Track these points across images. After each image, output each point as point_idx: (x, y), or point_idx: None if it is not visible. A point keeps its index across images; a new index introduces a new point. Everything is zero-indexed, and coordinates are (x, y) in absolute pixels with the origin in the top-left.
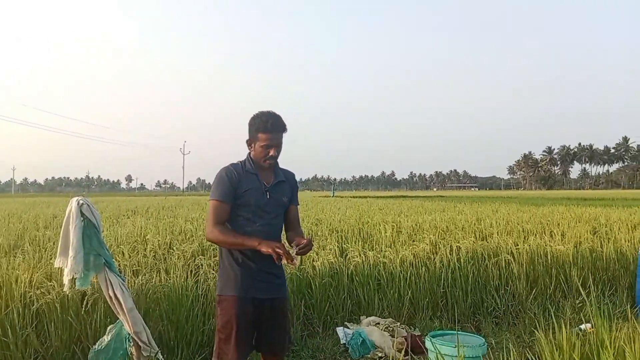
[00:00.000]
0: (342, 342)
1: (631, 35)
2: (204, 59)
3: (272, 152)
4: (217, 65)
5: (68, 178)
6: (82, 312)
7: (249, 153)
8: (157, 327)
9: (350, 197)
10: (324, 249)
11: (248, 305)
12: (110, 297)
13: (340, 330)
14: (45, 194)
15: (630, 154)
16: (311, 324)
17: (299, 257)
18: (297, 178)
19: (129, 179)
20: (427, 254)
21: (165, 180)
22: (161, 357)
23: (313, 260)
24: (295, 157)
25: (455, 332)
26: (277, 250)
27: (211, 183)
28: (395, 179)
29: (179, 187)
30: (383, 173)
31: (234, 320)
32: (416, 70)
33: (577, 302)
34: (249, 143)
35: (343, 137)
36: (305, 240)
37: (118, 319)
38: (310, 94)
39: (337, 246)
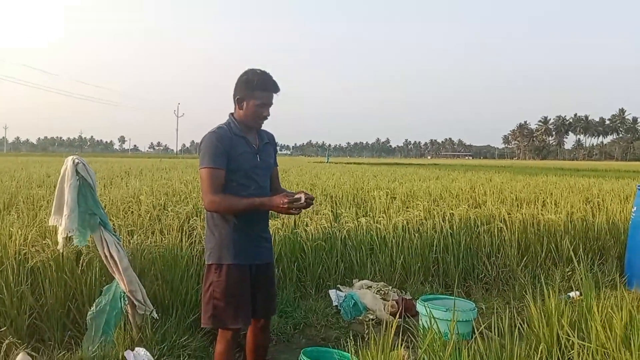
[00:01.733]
0: (334, 304)
1: (631, 6)
2: (200, 23)
3: (266, 112)
4: (212, 28)
5: (61, 138)
6: (78, 271)
7: (232, 115)
8: (152, 287)
9: (345, 163)
10: (317, 214)
11: (246, 272)
12: (105, 256)
13: (332, 293)
14: (37, 154)
15: (626, 125)
16: (304, 286)
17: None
18: (292, 143)
19: (122, 140)
20: (421, 221)
21: (159, 142)
22: (156, 315)
23: (306, 225)
24: (290, 122)
25: (447, 297)
26: (291, 210)
27: None
28: (390, 146)
29: (172, 150)
30: (378, 140)
31: (234, 288)
32: (413, 37)
33: (567, 270)
34: (240, 102)
35: (338, 102)
36: (309, 195)
37: (113, 278)
38: (306, 56)
39: (331, 211)
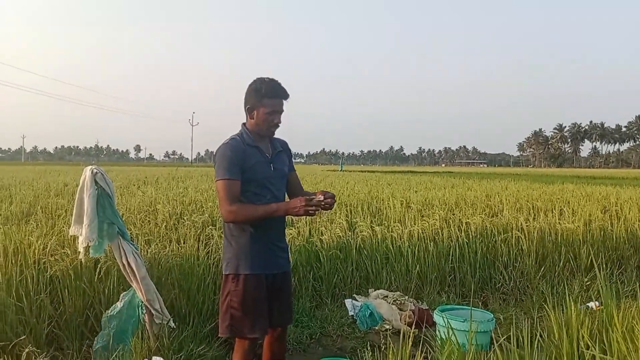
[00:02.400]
0: (350, 314)
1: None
2: (214, 32)
3: (277, 120)
4: (226, 37)
5: (77, 147)
6: (96, 280)
7: (244, 125)
8: (169, 296)
9: (359, 171)
10: (332, 223)
11: (263, 282)
12: (123, 265)
13: (348, 303)
14: (54, 163)
15: None
16: (319, 295)
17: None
18: (305, 152)
19: (137, 149)
20: (436, 230)
21: (174, 151)
22: (173, 324)
23: (321, 234)
24: (304, 131)
25: (464, 307)
26: (310, 209)
27: None
28: (404, 154)
29: (187, 158)
30: (391, 148)
31: (251, 297)
32: (427, 44)
33: (586, 280)
34: (250, 111)
35: (352, 111)
36: (329, 194)
37: (131, 286)
38: (320, 67)
39: (346, 220)
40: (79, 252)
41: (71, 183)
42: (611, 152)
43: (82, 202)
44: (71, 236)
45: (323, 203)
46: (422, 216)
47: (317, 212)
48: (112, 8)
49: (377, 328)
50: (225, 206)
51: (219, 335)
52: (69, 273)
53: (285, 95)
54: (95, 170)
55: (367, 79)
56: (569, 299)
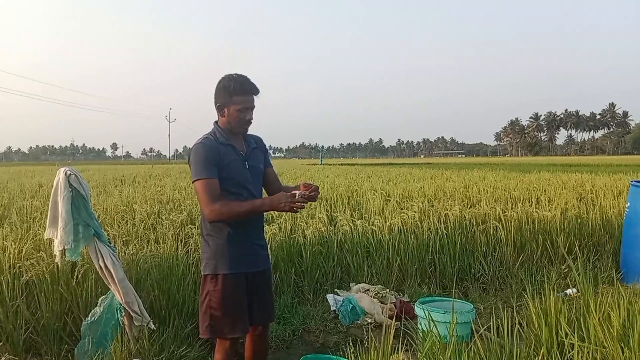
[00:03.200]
0: (332, 309)
1: (621, 4)
2: (191, 28)
3: (249, 116)
4: (203, 33)
5: (52, 146)
6: (73, 283)
7: (216, 123)
8: (148, 297)
9: (339, 164)
10: (312, 218)
11: (242, 281)
12: (100, 268)
13: (330, 297)
14: (29, 163)
15: (616, 120)
16: (302, 291)
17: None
18: (285, 146)
19: (114, 147)
20: (416, 222)
21: (152, 148)
22: (153, 326)
23: (303, 229)
24: (283, 125)
25: (445, 298)
26: (296, 206)
27: None
28: (383, 146)
29: (165, 155)
30: (371, 140)
31: (230, 297)
32: (403, 36)
33: (563, 267)
34: (221, 109)
35: (331, 104)
36: (313, 186)
37: (109, 289)
38: (298, 60)
39: (326, 215)
40: (55, 255)
41: (46, 184)
42: (586, 139)
43: (57, 204)
44: (47, 239)
45: (307, 197)
46: (402, 209)
47: (302, 207)
48: (83, 2)
49: (359, 322)
50: (207, 206)
51: (199, 337)
52: (45, 277)
53: (255, 90)
54: (69, 172)
55: (344, 71)
56: (548, 288)
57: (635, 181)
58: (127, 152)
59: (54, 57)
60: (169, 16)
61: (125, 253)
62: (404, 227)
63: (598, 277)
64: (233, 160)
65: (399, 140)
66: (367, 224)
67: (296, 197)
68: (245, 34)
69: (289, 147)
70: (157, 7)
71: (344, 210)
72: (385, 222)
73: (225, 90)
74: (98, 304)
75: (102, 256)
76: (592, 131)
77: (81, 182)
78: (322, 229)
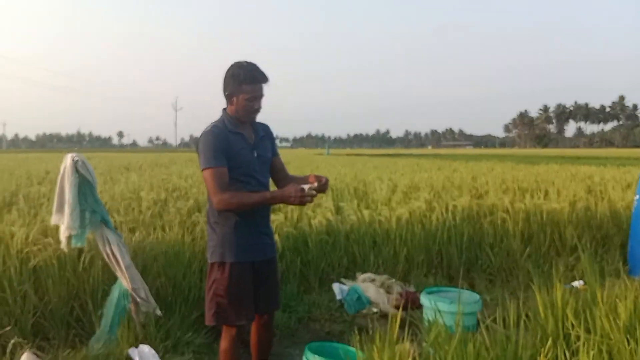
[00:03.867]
0: (338, 298)
1: None
2: (197, 14)
3: (257, 105)
4: (209, 20)
5: (59, 134)
6: (80, 269)
7: (225, 110)
8: (154, 284)
9: (345, 155)
10: (319, 207)
11: (249, 269)
12: (107, 254)
13: (336, 287)
14: (36, 150)
15: (626, 113)
16: (307, 280)
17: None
18: (291, 136)
19: (120, 135)
20: (423, 212)
21: (157, 136)
22: (159, 312)
23: (310, 218)
24: (289, 115)
25: (451, 289)
26: (305, 200)
27: None
28: (390, 137)
29: (171, 144)
30: (378, 131)
31: (237, 285)
32: (412, 27)
33: (571, 259)
34: (229, 97)
35: (338, 94)
36: (323, 178)
37: (116, 276)
38: (305, 50)
39: (333, 204)
40: (62, 241)
41: (53, 170)
42: (595, 132)
43: (63, 190)
44: (54, 225)
45: (317, 190)
46: (409, 199)
47: (311, 201)
48: None
49: (364, 311)
50: (216, 195)
51: (205, 324)
52: (53, 263)
53: (264, 79)
54: (75, 158)
55: (352, 60)
56: (556, 279)
57: None
58: (134, 140)
59: (61, 44)
60: (175, 2)
61: (132, 240)
62: (411, 218)
63: (605, 270)
64: (242, 148)
65: (406, 131)
66: (374, 214)
67: (306, 191)
68: (252, 19)
69: (295, 137)
70: None
71: (351, 200)
72: (392, 212)
73: (235, 78)
74: (110, 293)
75: (109, 242)
76: (602, 124)
77: (88, 169)
78: (330, 218)
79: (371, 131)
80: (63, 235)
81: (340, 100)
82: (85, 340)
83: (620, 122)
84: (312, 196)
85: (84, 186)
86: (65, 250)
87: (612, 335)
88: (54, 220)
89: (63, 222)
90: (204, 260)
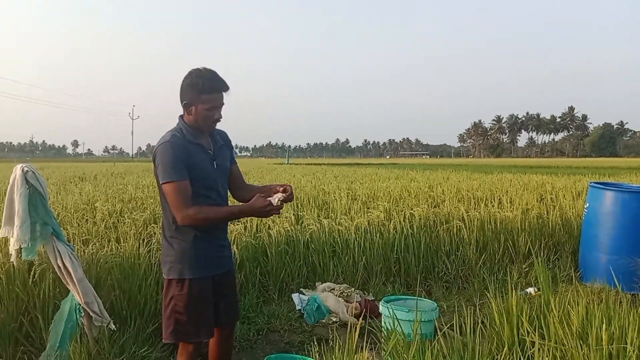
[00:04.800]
0: (297, 308)
1: (580, 7)
2: (152, 21)
3: (217, 115)
4: (165, 28)
5: (11, 143)
6: (30, 283)
7: (181, 117)
8: (108, 297)
9: (305, 164)
10: (279, 217)
11: (209, 284)
12: (59, 267)
13: (295, 297)
14: None
15: (575, 123)
16: (267, 290)
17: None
18: (252, 145)
19: (75, 144)
20: (382, 221)
21: (114, 145)
22: (113, 326)
23: (269, 228)
24: (249, 124)
25: (409, 297)
26: (274, 212)
27: None
28: (350, 146)
29: (127, 153)
30: (337, 140)
31: (197, 301)
32: (369, 38)
33: (524, 266)
34: (188, 107)
35: (298, 103)
36: (288, 187)
37: (68, 290)
38: (265, 59)
39: (293, 214)
40: (11, 255)
41: (3, 181)
42: (546, 142)
43: (13, 202)
44: (1, 238)
45: (285, 200)
46: (368, 208)
47: (280, 211)
48: None
49: (324, 321)
50: (181, 211)
51: (163, 342)
52: (1, 277)
53: (225, 87)
54: (25, 169)
55: (311, 71)
56: (510, 286)
57: (595, 183)
58: (89, 149)
59: (14, 51)
60: (130, 9)
61: (85, 252)
62: (370, 227)
63: (558, 276)
64: (202, 160)
65: (365, 140)
66: (333, 224)
67: (276, 203)
68: (209, 27)
69: (255, 146)
70: (125, 4)
71: (311, 209)
72: (352, 221)
73: (193, 87)
74: (60, 307)
75: (61, 255)
76: (553, 134)
77: (39, 179)
78: (289, 228)
79: (331, 140)
80: (12, 248)
81: (300, 109)
82: (35, 357)
83: (570, 132)
84: (281, 208)
85: (35, 197)
86: (15, 263)
87: (566, 341)
88: (2, 232)
89: (12, 235)
90: (160, 272)
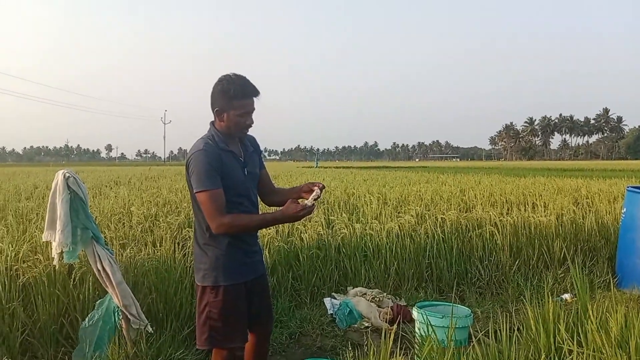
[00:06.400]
0: (329, 313)
1: (615, 9)
2: (185, 27)
3: (249, 121)
4: (198, 32)
5: (47, 147)
6: (70, 286)
7: (213, 124)
8: (145, 300)
9: (334, 167)
10: (310, 221)
11: (242, 290)
12: (98, 271)
13: (327, 301)
14: (24, 164)
15: (610, 125)
16: (299, 295)
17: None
18: (280, 148)
19: (109, 148)
20: (413, 226)
21: (146, 149)
22: (150, 329)
23: (300, 232)
24: (279, 127)
25: (442, 302)
26: (307, 214)
27: None
28: (378, 149)
29: (159, 157)
30: (366, 143)
31: (232, 308)
32: (399, 39)
33: (560, 272)
34: (219, 113)
35: (326, 106)
36: (316, 186)
37: (106, 293)
38: (295, 63)
39: (324, 218)
40: (53, 258)
41: (41, 185)
42: (580, 144)
43: (55, 206)
44: (44, 242)
45: (316, 199)
46: (399, 213)
47: (313, 211)
48: (78, 2)
49: (356, 326)
50: (216, 219)
51: (197, 348)
52: (42, 280)
53: (255, 92)
54: (67, 174)
55: (340, 74)
56: (546, 292)
57: (632, 187)
58: (122, 153)
59: (50, 58)
60: (163, 16)
61: (122, 256)
62: (401, 232)
63: (594, 282)
64: (234, 168)
65: (394, 143)
66: (364, 228)
67: (308, 205)
68: (241, 34)
69: (284, 149)
70: (152, 7)
71: (341, 213)
72: (383, 226)
73: (224, 94)
74: (95, 307)
75: (100, 259)
76: (586, 136)
77: (79, 185)
78: (321, 232)
79: (359, 144)
80: (55, 251)
81: (328, 112)
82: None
83: (605, 134)
84: (312, 210)
85: (76, 202)
86: (57, 266)
87: (604, 349)
88: (45, 236)
89: (54, 239)
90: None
